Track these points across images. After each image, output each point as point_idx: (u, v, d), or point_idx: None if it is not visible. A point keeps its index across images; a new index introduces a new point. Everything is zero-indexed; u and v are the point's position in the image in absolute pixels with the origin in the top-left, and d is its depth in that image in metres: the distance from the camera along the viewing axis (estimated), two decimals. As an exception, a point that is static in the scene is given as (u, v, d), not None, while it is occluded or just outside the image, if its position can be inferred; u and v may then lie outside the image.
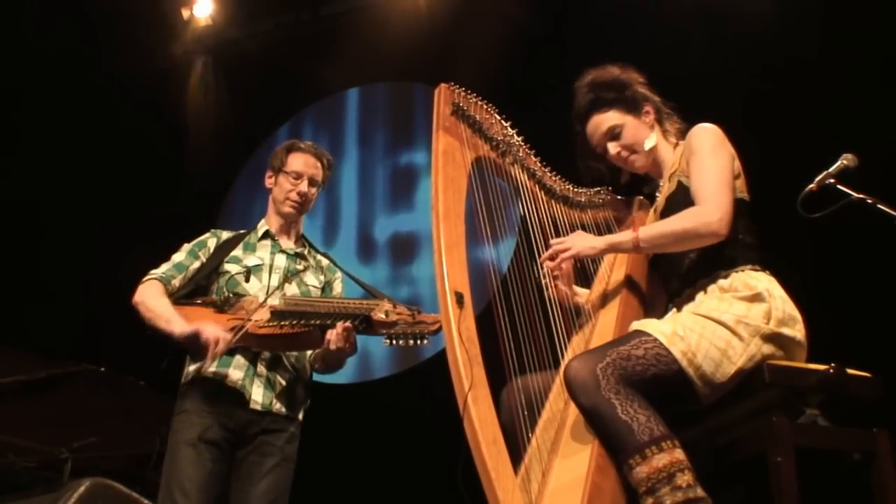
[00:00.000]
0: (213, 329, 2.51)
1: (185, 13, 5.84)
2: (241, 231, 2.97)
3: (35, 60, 5.27)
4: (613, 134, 2.43)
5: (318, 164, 2.95)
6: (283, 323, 2.53)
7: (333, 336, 2.49)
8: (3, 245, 5.05)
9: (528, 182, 2.39)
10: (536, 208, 2.37)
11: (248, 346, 2.62)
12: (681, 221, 2.22)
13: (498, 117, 2.39)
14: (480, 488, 1.87)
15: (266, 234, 2.92)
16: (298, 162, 2.91)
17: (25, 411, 3.74)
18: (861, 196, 2.15)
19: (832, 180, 2.19)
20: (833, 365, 2.09)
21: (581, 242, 2.32)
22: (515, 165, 2.38)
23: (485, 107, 2.37)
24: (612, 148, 2.44)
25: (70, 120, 5.39)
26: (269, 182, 2.97)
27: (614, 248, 2.33)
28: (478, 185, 2.25)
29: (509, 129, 2.40)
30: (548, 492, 1.95)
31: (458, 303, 1.99)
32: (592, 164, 2.54)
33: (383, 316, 2.44)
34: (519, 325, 2.10)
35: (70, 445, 3.66)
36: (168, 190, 5.54)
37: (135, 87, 5.43)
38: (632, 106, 2.44)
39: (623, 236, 2.30)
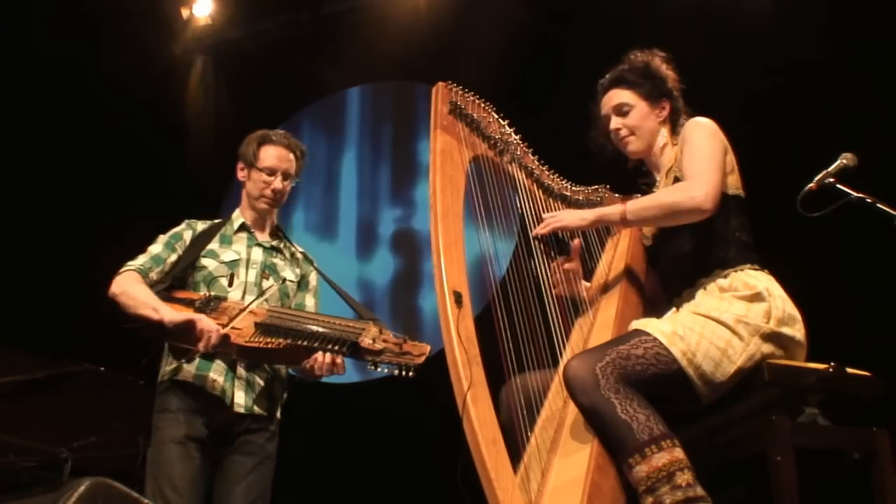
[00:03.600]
0: (208, 320, 2.49)
1: (185, 13, 5.82)
2: (217, 221, 2.91)
3: (34, 60, 5.27)
4: (622, 110, 2.45)
5: (291, 157, 2.87)
6: (269, 340, 2.48)
7: (318, 365, 2.47)
8: (3, 245, 5.05)
9: (525, 180, 2.40)
10: (534, 206, 2.38)
11: (228, 353, 2.58)
12: (667, 195, 2.26)
13: (496, 116, 2.40)
14: (480, 488, 1.87)
15: (242, 227, 2.87)
16: (271, 157, 2.84)
17: (25, 411, 3.73)
18: (860, 195, 2.16)
19: (832, 179, 2.19)
20: (833, 364, 2.09)
21: (571, 215, 2.36)
22: (513, 164, 2.38)
23: (482, 105, 2.38)
24: (615, 122, 2.45)
25: (69, 120, 5.39)
26: (241, 175, 2.89)
27: (603, 220, 2.37)
28: (476, 183, 2.25)
29: (507, 127, 2.41)
30: (547, 491, 1.96)
31: (456, 302, 1.99)
32: (600, 140, 2.54)
33: (371, 343, 2.41)
34: (518, 324, 2.10)
35: (70, 445, 3.66)
36: (168, 190, 5.53)
37: (134, 86, 5.42)
38: (650, 95, 2.45)
39: (612, 208, 2.35)
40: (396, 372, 2.37)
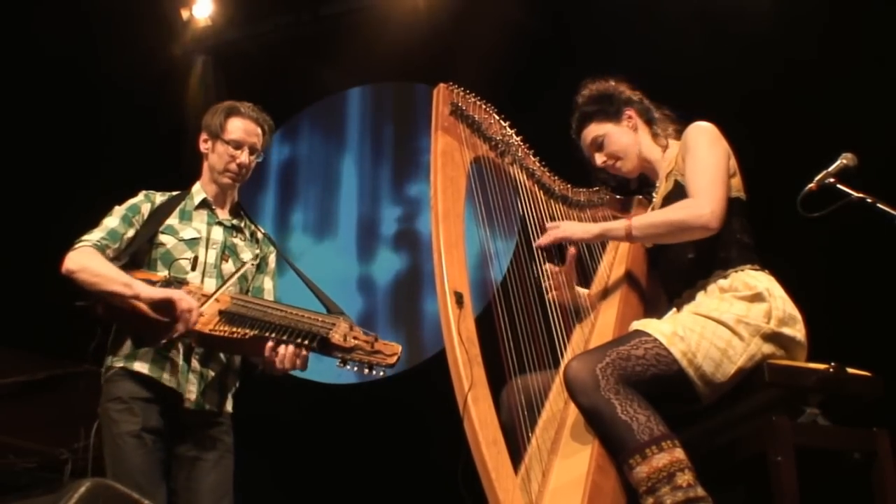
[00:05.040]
0: (185, 296, 2.35)
1: (185, 14, 5.82)
2: (175, 193, 2.76)
3: (34, 61, 5.27)
4: (597, 144, 2.49)
5: (259, 131, 2.73)
6: (234, 330, 2.37)
7: (282, 357, 2.33)
8: (4, 246, 5.05)
9: (526, 182, 2.40)
10: (535, 208, 2.38)
11: (188, 340, 2.45)
12: (673, 212, 2.25)
13: (497, 117, 2.40)
14: (481, 488, 1.87)
15: (203, 203, 2.72)
16: (238, 129, 2.70)
17: (26, 412, 3.74)
18: (861, 195, 2.15)
19: (832, 180, 2.19)
20: (833, 364, 2.09)
21: (575, 226, 2.37)
22: (514, 165, 2.39)
23: (483, 107, 2.38)
24: (599, 158, 2.50)
25: (69, 121, 5.39)
26: (204, 146, 2.75)
27: (607, 235, 2.37)
28: (477, 184, 2.25)
29: (508, 128, 2.41)
30: (548, 491, 1.96)
31: (457, 303, 1.99)
32: (605, 178, 2.59)
33: (341, 339, 2.31)
34: (518, 324, 2.11)
35: (70, 446, 3.66)
36: (168, 191, 5.52)
37: (134, 87, 5.42)
38: (611, 114, 2.49)
39: (617, 223, 2.35)
40: (366, 371, 2.31)
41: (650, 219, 2.31)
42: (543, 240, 2.33)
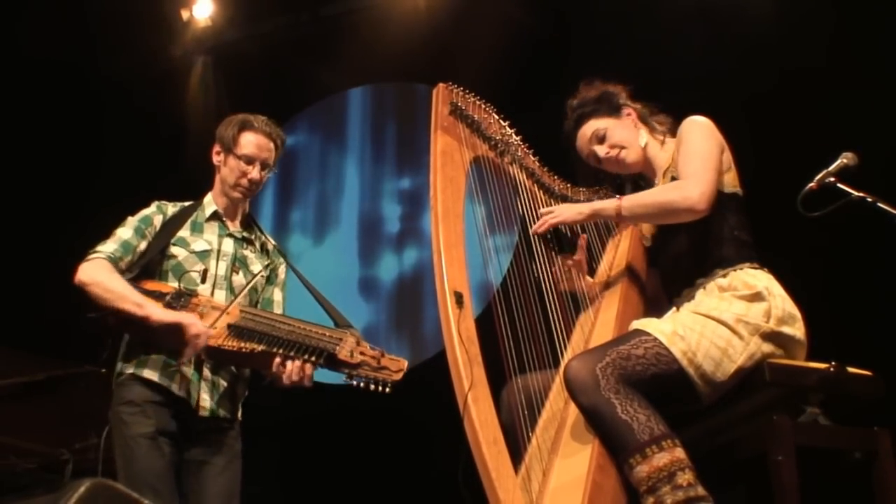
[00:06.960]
0: (196, 322, 2.38)
1: (185, 14, 5.82)
2: (187, 204, 2.78)
3: (33, 63, 5.27)
4: (599, 137, 2.45)
5: (272, 146, 2.73)
6: (242, 345, 2.39)
7: (288, 372, 2.35)
8: (6, 248, 5.05)
9: (526, 181, 2.40)
10: (535, 207, 2.38)
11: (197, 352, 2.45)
12: (662, 193, 2.27)
13: (496, 117, 2.41)
14: (481, 488, 1.87)
15: (214, 215, 2.74)
16: (251, 144, 2.70)
17: (26, 412, 3.73)
18: (861, 195, 2.15)
19: (832, 179, 2.19)
20: (833, 363, 2.09)
21: (568, 209, 2.37)
22: (514, 165, 2.39)
23: (483, 106, 2.39)
24: (601, 150, 2.45)
25: (69, 122, 5.39)
26: (216, 158, 2.76)
27: (599, 214, 2.37)
28: (477, 184, 2.25)
29: (507, 128, 2.42)
30: (548, 491, 1.96)
31: (457, 303, 1.99)
32: (594, 177, 2.56)
33: (348, 355, 2.34)
34: (518, 324, 2.10)
35: (71, 446, 3.66)
36: (169, 192, 5.52)
37: (134, 88, 5.42)
38: (611, 110, 2.47)
39: (607, 202, 2.34)
40: (372, 387, 2.33)
41: (640, 199, 2.31)
42: (537, 227, 2.33)
